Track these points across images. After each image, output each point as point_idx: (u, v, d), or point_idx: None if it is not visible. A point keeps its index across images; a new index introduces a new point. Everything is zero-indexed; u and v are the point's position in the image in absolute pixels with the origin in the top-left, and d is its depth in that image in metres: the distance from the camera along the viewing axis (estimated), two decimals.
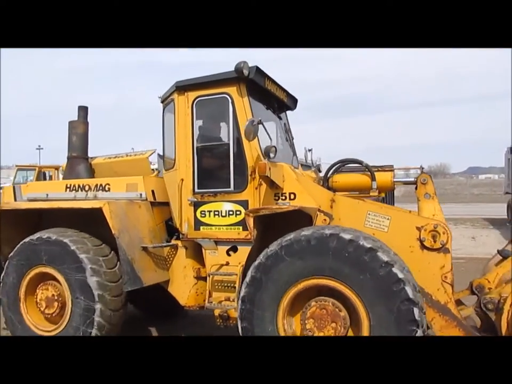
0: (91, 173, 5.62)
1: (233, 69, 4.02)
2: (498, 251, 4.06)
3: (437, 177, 62.01)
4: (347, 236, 3.29)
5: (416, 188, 4.17)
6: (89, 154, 5.71)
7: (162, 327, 5.74)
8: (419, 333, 3.07)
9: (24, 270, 4.50)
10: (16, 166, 18.29)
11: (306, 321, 3.40)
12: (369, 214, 3.85)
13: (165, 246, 4.62)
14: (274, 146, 3.90)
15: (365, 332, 3.25)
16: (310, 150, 5.37)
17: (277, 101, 4.94)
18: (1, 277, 4.64)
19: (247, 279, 3.58)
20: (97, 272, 4.17)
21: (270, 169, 3.80)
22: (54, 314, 4.39)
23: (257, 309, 3.50)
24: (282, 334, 3.46)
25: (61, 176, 17.97)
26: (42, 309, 4.44)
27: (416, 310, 3.08)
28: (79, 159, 5.54)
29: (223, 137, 4.39)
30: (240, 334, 3.62)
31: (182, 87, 4.44)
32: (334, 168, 4.44)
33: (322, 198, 4.02)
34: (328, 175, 4.43)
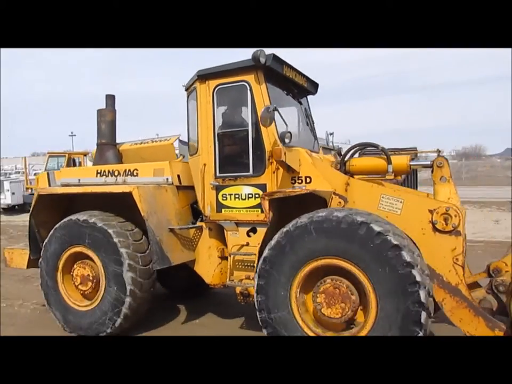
0: (119, 158, 6.14)
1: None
2: None
3: (471, 159, 61.63)
4: (377, 228, 3.56)
5: (432, 171, 4.42)
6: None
7: (188, 304, 6.26)
8: (423, 315, 3.37)
9: (66, 245, 5.06)
10: (48, 153, 19.93)
11: (318, 295, 3.78)
12: (382, 197, 4.14)
13: (191, 228, 5.09)
14: (289, 132, 4.23)
15: (372, 315, 3.58)
16: (331, 134, 5.67)
17: (297, 87, 5.24)
18: (44, 243, 5.23)
19: (272, 242, 3.97)
20: (127, 246, 4.70)
21: (285, 154, 4.15)
22: (87, 292, 4.96)
23: (276, 271, 3.91)
24: (293, 301, 3.86)
25: (89, 162, 19.15)
26: (77, 284, 5.03)
27: (422, 293, 3.38)
28: (108, 146, 6.05)
29: (242, 124, 4.75)
30: (255, 290, 4.04)
31: (203, 76, 4.82)
32: (350, 152, 4.73)
33: (337, 181, 4.34)
34: (345, 159, 4.73)
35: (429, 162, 4.44)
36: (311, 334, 3.82)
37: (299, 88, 5.30)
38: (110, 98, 6.11)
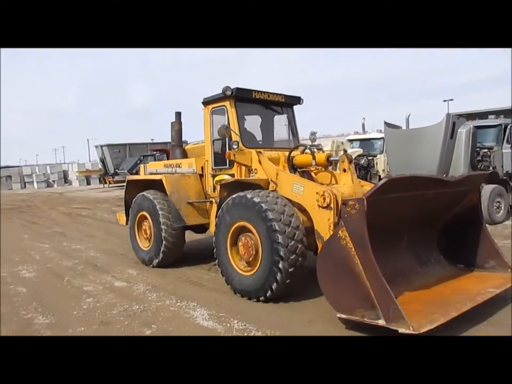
0: (185, 155, 9.15)
1: None
2: None
3: None
4: (256, 199, 5.74)
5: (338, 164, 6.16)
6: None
7: None
8: (280, 238, 5.38)
9: (137, 210, 8.37)
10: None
11: (239, 244, 6.09)
12: (294, 183, 6.09)
13: (203, 202, 7.78)
14: (236, 141, 6.56)
15: (260, 253, 5.70)
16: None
17: (273, 103, 7.42)
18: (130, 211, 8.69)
19: (219, 213, 6.38)
20: (162, 204, 7.70)
21: (234, 155, 6.52)
22: (147, 237, 8.18)
23: (219, 229, 6.32)
24: (228, 247, 6.20)
25: None
26: (143, 234, 8.31)
27: (280, 236, 5.38)
28: (176, 146, 9.13)
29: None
30: (213, 241, 6.49)
31: (205, 102, 7.45)
32: (291, 151, 6.76)
33: (272, 172, 6.44)
34: (291, 156, 6.77)
35: (338, 158, 6.18)
36: (235, 267, 6.15)
37: (276, 103, 7.45)
38: (178, 115, 9.13)
